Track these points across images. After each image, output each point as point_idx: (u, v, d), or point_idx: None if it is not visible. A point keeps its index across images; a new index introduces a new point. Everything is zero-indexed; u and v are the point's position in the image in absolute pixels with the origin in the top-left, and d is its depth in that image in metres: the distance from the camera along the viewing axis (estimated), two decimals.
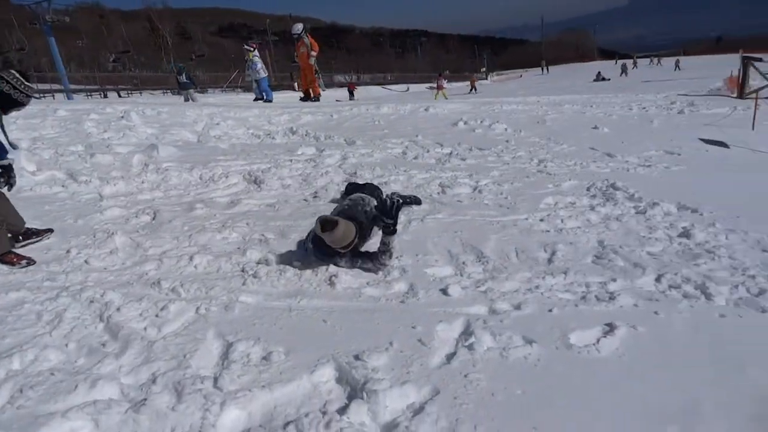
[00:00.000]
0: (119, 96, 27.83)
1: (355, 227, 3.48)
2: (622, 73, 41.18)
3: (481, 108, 11.43)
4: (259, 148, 7.26)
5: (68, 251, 3.74)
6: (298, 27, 15.60)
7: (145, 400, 2.18)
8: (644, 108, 12.26)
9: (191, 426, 2.07)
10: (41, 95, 24.80)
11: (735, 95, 15.39)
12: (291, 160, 6.43)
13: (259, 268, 3.46)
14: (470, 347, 2.57)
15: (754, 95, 12.39)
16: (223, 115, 9.38)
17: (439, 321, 2.84)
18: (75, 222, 4.37)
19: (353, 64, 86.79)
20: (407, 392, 2.26)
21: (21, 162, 5.69)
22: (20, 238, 3.86)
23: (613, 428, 2.05)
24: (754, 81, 15.36)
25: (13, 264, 3.55)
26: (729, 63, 22.34)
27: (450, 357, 2.53)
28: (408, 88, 48.11)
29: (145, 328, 2.76)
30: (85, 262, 3.59)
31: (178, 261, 3.58)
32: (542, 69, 63.75)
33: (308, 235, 3.87)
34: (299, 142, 7.83)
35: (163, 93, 25.88)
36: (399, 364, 2.46)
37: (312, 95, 16.02)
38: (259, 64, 15.52)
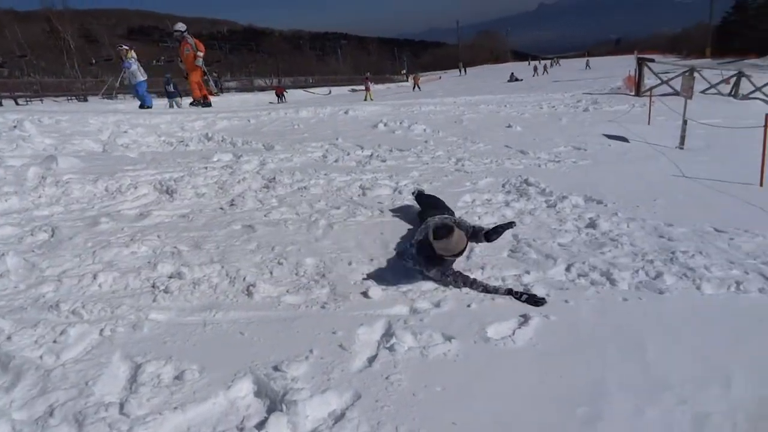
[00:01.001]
0: (17, 104, 25.61)
1: (467, 237, 3.39)
2: (535, 73, 43.67)
3: (401, 110, 11.58)
4: (172, 156, 6.92)
5: None
6: (181, 26, 14.56)
7: None
8: (553, 107, 12.93)
9: None
10: None
11: (633, 93, 16.57)
12: (206, 168, 6.18)
13: (171, 283, 3.28)
14: (391, 348, 2.57)
15: (648, 93, 13.39)
16: (132, 122, 8.87)
17: (360, 324, 2.82)
18: None
19: (273, 68, 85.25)
20: (328, 400, 2.22)
21: None
22: None
23: (528, 415, 2.11)
24: (649, 80, 16.64)
25: None
26: (627, 63, 24.05)
27: (371, 360, 2.52)
28: (330, 91, 47.88)
29: (41, 356, 2.53)
30: None
31: (80, 280, 3.33)
32: (460, 70, 65.73)
33: (414, 241, 3.63)
34: (215, 149, 7.55)
35: (68, 100, 24.08)
36: (319, 371, 2.41)
37: (201, 99, 14.93)
38: (134, 66, 14.41)
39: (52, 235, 4.08)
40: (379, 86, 51.78)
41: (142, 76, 14.56)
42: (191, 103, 15.06)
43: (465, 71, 65.44)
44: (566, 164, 6.70)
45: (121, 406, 2.17)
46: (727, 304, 2.96)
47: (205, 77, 15.13)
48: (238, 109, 13.64)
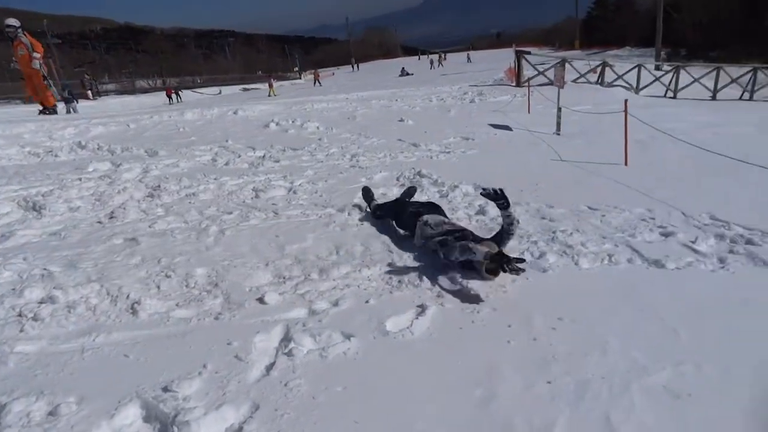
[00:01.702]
0: None
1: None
2: (432, 65, 45.49)
3: (293, 108, 11.41)
4: (39, 168, 6.28)
5: None
6: (13, 21, 12.79)
7: None
8: (442, 99, 13.40)
9: None
10: None
11: (514, 84, 17.63)
12: (80, 179, 5.68)
13: (41, 309, 2.96)
14: (289, 353, 2.52)
15: (527, 84, 14.32)
16: None
17: (257, 332, 2.72)
18: None
19: (156, 68, 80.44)
20: (224, 415, 2.11)
21: None
22: None
23: (429, 404, 2.16)
24: (527, 71, 17.78)
25: None
26: (507, 56, 25.52)
27: (269, 368, 2.44)
28: (220, 91, 46.12)
29: None
30: None
31: None
32: (352, 66, 66.21)
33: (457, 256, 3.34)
34: (90, 158, 6.96)
35: None
36: (214, 386, 2.30)
37: (44, 105, 13.57)
38: None
39: None
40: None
41: None
42: (41, 111, 13.54)
43: (357, 67, 66.08)
44: (456, 154, 6.97)
45: None
46: (601, 276, 3.23)
47: (46, 81, 13.44)
48: (117, 113, 12.68)
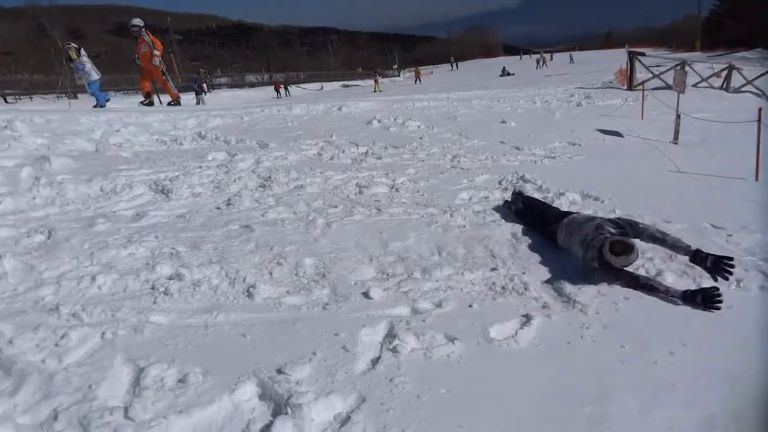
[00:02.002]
0: (5, 101, 25.33)
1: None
2: (538, 65, 44.02)
3: (394, 106, 11.56)
4: (166, 155, 6.87)
5: None
6: (138, 21, 13.76)
7: None
8: (546, 101, 12.96)
9: None
10: None
11: (625, 87, 16.64)
12: (201, 167, 6.15)
13: (170, 284, 3.26)
14: (394, 350, 2.58)
15: (641, 87, 13.46)
16: (124, 121, 8.80)
17: (363, 326, 2.82)
18: None
19: (263, 63, 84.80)
20: (333, 402, 2.22)
21: None
22: None
23: (535, 416, 2.13)
24: (641, 74, 16.72)
25: None
26: (618, 57, 24.13)
27: (375, 362, 2.52)
28: (322, 87, 47.77)
29: (43, 360, 2.51)
30: None
31: (79, 283, 3.30)
32: (451, 65, 65.77)
33: (588, 253, 3.40)
34: (209, 147, 7.51)
35: (57, 97, 23.72)
36: (323, 374, 2.41)
37: (172, 99, 14.75)
38: (89, 65, 13.68)
39: (49, 237, 4.05)
40: (371, 81, 51.61)
41: (96, 75, 13.88)
42: (142, 102, 14.57)
43: (457, 66, 65.50)
44: (561, 160, 6.73)
45: (126, 410, 2.16)
46: (728, 301, 2.98)
47: (164, 76, 14.43)
48: (231, 106, 13.53)
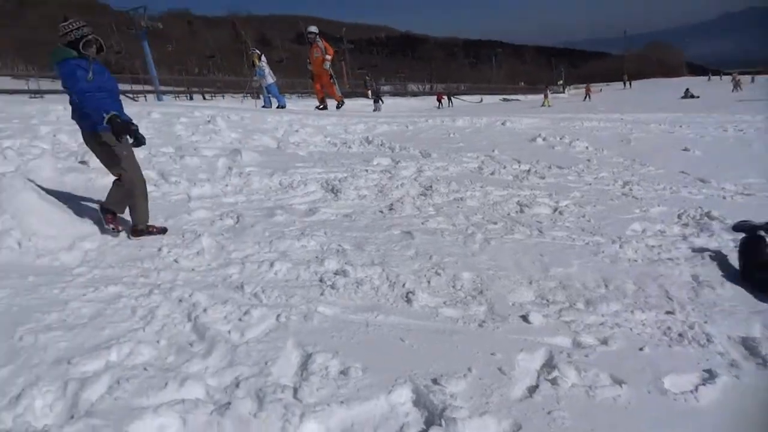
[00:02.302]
0: (204, 98, 29.33)
1: None
2: (734, 88, 37.31)
3: (561, 124, 11.07)
4: (336, 157, 7.38)
5: (159, 249, 3.94)
6: (314, 28, 14.76)
7: (229, 404, 2.23)
8: (741, 130, 11.42)
9: None
10: (136, 97, 26.66)
11: None
12: (367, 170, 6.49)
13: (336, 279, 3.49)
14: (553, 382, 2.46)
15: None
16: (302, 122, 9.64)
17: (520, 350, 2.73)
18: (165, 221, 4.60)
19: (426, 74, 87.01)
20: (487, 424, 2.18)
21: None
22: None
23: None
24: None
25: (150, 233, 4.23)
26: None
27: (532, 390, 2.43)
28: (482, 99, 47.62)
29: (229, 331, 2.84)
30: (175, 261, 3.77)
31: (260, 266, 3.68)
32: (624, 83, 61.26)
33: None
34: (375, 152, 7.90)
35: (244, 97, 26.79)
36: (478, 392, 2.39)
37: (336, 101, 15.33)
38: (267, 70, 14.91)
39: (237, 222, 4.57)
40: (533, 96, 50.25)
41: (272, 78, 15.11)
42: (318, 107, 15.27)
43: (630, 84, 60.83)
44: (758, 198, 5.88)
45: (295, 390, 2.34)
46: None
47: (332, 80, 15.21)
48: (396, 113, 14.07)
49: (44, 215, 4.01)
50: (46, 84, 33.84)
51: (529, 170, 7.01)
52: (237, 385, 2.38)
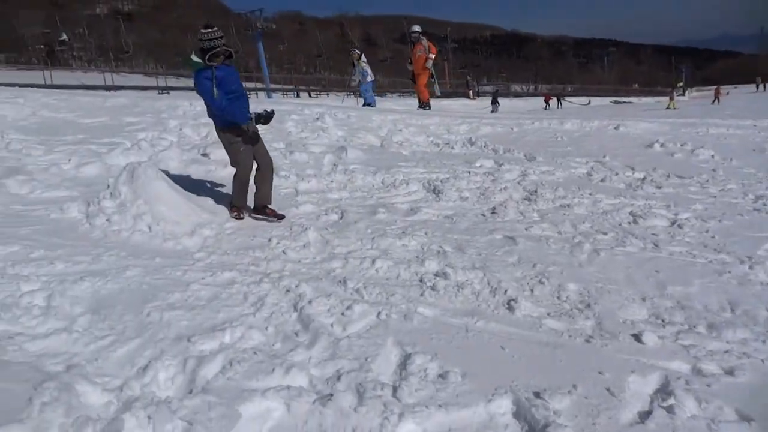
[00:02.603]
0: (309, 96, 30.61)
1: None
2: None
3: (682, 130, 10.22)
4: (438, 157, 7.36)
5: (269, 240, 4.16)
6: (417, 27, 14.64)
7: (331, 395, 2.30)
8: None
9: (370, 430, 2.13)
10: (248, 93, 28.46)
11: None
12: (469, 172, 6.41)
13: (437, 281, 3.48)
14: (669, 410, 2.28)
15: None
16: (405, 122, 9.72)
17: (631, 371, 2.56)
18: None
19: (531, 74, 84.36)
20: None
21: None
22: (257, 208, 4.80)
23: None
24: None
25: (267, 216, 4.67)
26: None
27: (644, 416, 2.27)
28: (590, 102, 45.26)
29: (331, 324, 2.93)
30: (283, 252, 3.96)
31: (362, 262, 3.76)
32: (757, 86, 55.30)
33: None
34: (478, 154, 7.78)
35: (346, 96, 27.63)
36: (584, 412, 2.27)
37: (422, 102, 14.92)
38: (366, 69, 14.80)
39: (341, 217, 4.71)
40: (648, 99, 46.99)
41: (370, 78, 15.06)
42: (420, 106, 14.96)
43: (764, 87, 54.78)
44: None
45: (394, 389, 2.37)
46: None
47: (432, 79, 14.87)
48: (503, 116, 13.74)
49: (171, 202, 4.38)
50: (171, 81, 37.06)
51: (644, 178, 6.55)
52: (338, 378, 2.45)
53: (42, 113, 8.97)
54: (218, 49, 4.27)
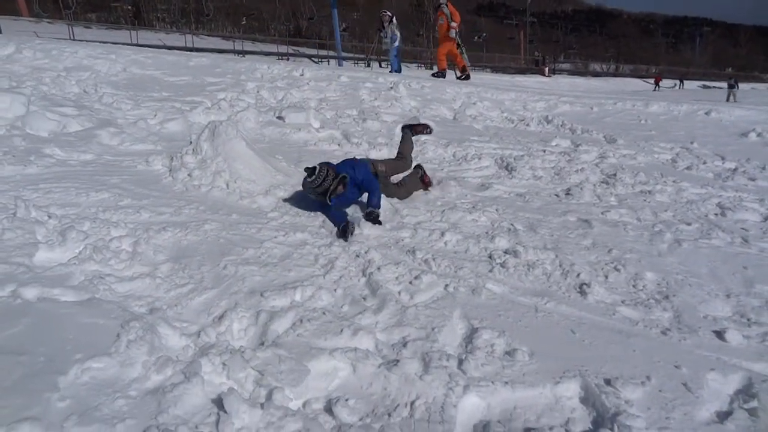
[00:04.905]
0: (380, 66, 30.38)
1: None
2: None
3: None
4: (512, 134, 7.16)
5: None
6: None
7: (397, 361, 2.33)
8: None
9: (434, 399, 2.15)
10: (320, 60, 28.59)
11: None
12: (544, 151, 6.19)
13: (507, 259, 3.41)
14: (752, 413, 2.15)
15: None
16: (480, 96, 9.49)
17: (711, 369, 2.43)
18: None
19: (613, 52, 79.85)
20: None
21: (309, 119, 6.60)
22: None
23: None
24: None
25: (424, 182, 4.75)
26: None
27: (722, 416, 2.16)
28: (676, 84, 42.45)
29: (399, 292, 2.96)
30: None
31: (431, 234, 3.74)
32: None
33: None
34: (554, 133, 7.49)
35: (418, 66, 27.25)
36: (657, 404, 2.18)
37: (460, 72, 14.14)
38: (397, 33, 14.19)
39: None
40: (743, 86, 43.51)
41: (399, 42, 14.52)
42: (433, 74, 14.20)
43: None
44: None
45: (460, 361, 2.37)
46: None
47: (460, 49, 13.96)
48: (582, 94, 13.11)
49: (248, 162, 4.51)
50: (248, 45, 37.88)
51: (735, 169, 6.10)
52: (404, 345, 2.47)
53: (132, 69, 9.44)
54: (332, 186, 3.88)
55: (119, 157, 4.98)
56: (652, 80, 42.66)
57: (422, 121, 5.22)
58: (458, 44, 13.97)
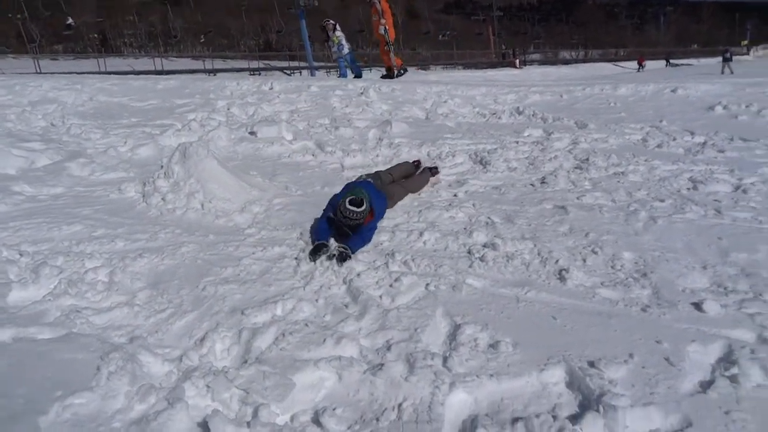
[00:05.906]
0: (351, 72, 30.51)
1: None
2: None
3: (746, 90, 9.56)
4: (485, 128, 7.21)
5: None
6: None
7: (382, 365, 2.33)
8: None
9: (422, 400, 2.15)
10: (292, 72, 28.59)
11: None
12: (517, 142, 6.24)
13: (486, 252, 3.43)
14: (733, 379, 2.19)
15: None
16: (451, 93, 9.55)
17: (692, 340, 2.47)
18: (322, 189, 4.90)
19: (581, 39, 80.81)
20: (651, 415, 2.01)
21: (282, 132, 6.59)
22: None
23: None
24: None
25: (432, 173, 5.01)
26: None
27: (705, 385, 2.19)
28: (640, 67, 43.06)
29: (380, 296, 2.96)
30: None
31: (409, 235, 3.75)
32: None
33: None
34: (526, 123, 7.56)
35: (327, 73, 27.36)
36: (641, 381, 2.21)
37: (394, 70, 13.69)
38: (343, 40, 14.02)
39: None
40: (710, 60, 44.36)
41: (347, 49, 14.36)
42: (383, 76, 13.96)
43: None
44: None
45: (444, 359, 2.37)
46: None
47: (387, 47, 13.49)
48: (549, 83, 13.28)
49: (221, 180, 4.49)
50: (218, 63, 37.74)
51: (704, 143, 6.20)
52: (388, 348, 2.47)
53: (98, 98, 9.34)
54: (361, 220, 3.68)
55: (91, 188, 4.92)
56: (622, 63, 43.39)
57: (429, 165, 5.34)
58: (386, 42, 13.52)
